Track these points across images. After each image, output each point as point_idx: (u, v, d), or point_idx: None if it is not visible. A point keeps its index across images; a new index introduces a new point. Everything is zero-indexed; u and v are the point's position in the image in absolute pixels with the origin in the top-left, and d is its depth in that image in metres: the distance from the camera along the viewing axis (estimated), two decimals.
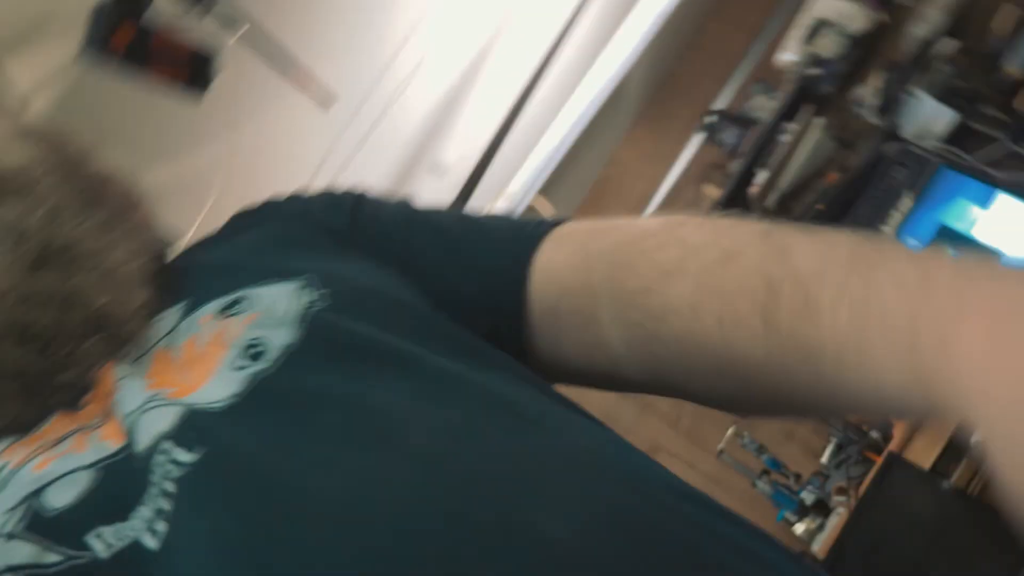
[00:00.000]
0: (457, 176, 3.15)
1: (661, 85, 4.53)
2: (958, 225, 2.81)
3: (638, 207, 4.27)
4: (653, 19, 3.40)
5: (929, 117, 3.38)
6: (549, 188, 3.79)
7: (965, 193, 2.87)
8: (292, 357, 0.49)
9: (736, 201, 3.90)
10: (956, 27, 3.57)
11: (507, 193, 3.20)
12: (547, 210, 3.41)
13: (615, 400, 4.16)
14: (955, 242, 2.76)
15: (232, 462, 0.45)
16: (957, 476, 2.88)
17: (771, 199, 3.87)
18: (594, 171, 4.49)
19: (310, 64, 2.41)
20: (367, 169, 2.96)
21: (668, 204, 4.23)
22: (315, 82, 2.20)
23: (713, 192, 4.03)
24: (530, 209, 3.35)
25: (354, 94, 2.74)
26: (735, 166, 3.89)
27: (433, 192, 3.26)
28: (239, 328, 0.52)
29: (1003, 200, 2.78)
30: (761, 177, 3.79)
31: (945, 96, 3.35)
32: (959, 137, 3.39)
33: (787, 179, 3.88)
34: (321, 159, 2.74)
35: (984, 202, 2.81)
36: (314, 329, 0.51)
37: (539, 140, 3.31)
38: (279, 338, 0.50)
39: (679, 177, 4.19)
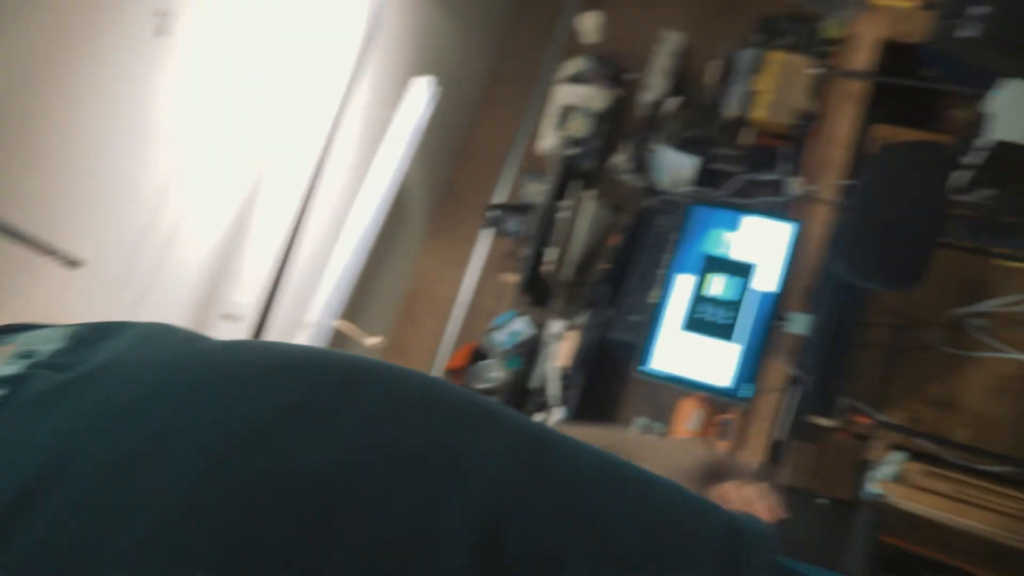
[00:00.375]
0: (251, 316, 3.15)
1: (443, 196, 4.78)
2: (718, 250, 3.11)
3: (447, 311, 4.40)
4: (409, 139, 3.62)
5: (676, 167, 3.76)
6: (356, 313, 3.86)
7: (717, 223, 3.19)
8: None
9: (535, 281, 4.11)
10: (678, 87, 4.04)
11: (305, 323, 3.22)
12: (354, 333, 3.46)
13: None
14: (719, 265, 3.05)
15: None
16: (785, 477, 3.07)
17: (566, 272, 4.11)
18: (399, 288, 4.60)
19: (59, 235, 2.40)
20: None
21: (476, 299, 4.39)
22: (57, 251, 2.23)
23: (512, 278, 4.23)
24: (336, 332, 3.39)
25: (119, 255, 2.73)
26: (525, 251, 4.11)
27: (231, 336, 3.24)
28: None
29: (747, 221, 3.12)
30: (551, 254, 4.02)
31: (684, 146, 3.74)
32: (705, 177, 3.79)
33: (575, 251, 4.15)
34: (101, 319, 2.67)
35: (734, 226, 3.14)
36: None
37: (324, 268, 3.38)
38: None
39: (479, 274, 4.38)
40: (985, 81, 2.76)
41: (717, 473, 0.86)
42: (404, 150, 3.59)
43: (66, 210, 2.48)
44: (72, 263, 2.32)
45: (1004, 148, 2.57)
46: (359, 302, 3.96)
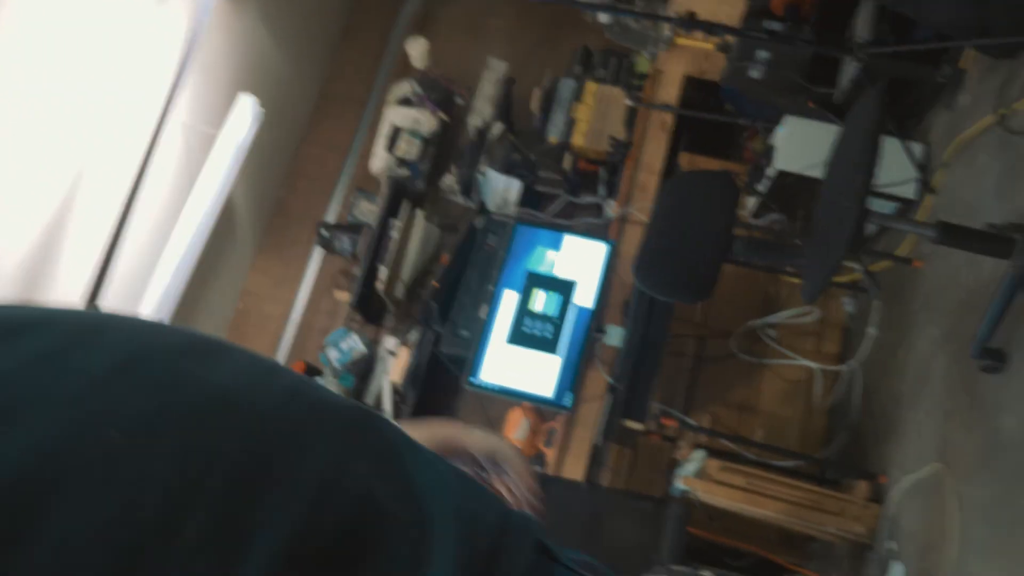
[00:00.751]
0: None
1: (273, 213, 4.72)
2: (541, 268, 3.30)
3: (278, 329, 4.35)
4: (233, 157, 3.57)
5: (503, 189, 3.93)
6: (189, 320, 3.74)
7: (541, 242, 3.38)
8: None
9: (367, 299, 4.15)
10: (503, 113, 4.23)
11: None
12: None
13: None
14: (542, 281, 3.24)
15: None
16: (605, 479, 3.28)
17: (398, 290, 4.18)
18: (227, 307, 4.50)
19: None
20: None
21: (308, 317, 4.37)
22: None
23: (344, 296, 4.25)
24: None
25: None
26: (357, 270, 4.15)
27: None
28: None
29: (568, 240, 3.33)
30: (383, 273, 4.08)
31: (510, 169, 3.92)
32: (530, 199, 3.99)
33: (407, 269, 4.23)
34: None
35: (556, 245, 3.34)
36: None
37: (145, 287, 3.27)
38: None
39: (311, 292, 4.36)
40: (775, 116, 3.11)
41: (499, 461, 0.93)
42: (228, 168, 3.54)
43: None
44: None
45: (791, 178, 2.91)
46: (184, 321, 3.84)
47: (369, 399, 4.10)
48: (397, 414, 3.93)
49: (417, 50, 4.25)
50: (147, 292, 3.25)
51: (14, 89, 2.72)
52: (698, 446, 2.79)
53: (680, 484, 2.66)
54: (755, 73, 2.98)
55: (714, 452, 2.74)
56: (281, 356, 4.21)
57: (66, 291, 3.16)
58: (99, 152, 3.18)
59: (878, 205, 2.75)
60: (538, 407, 3.47)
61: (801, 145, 2.79)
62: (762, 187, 3.11)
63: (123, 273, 3.22)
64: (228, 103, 3.72)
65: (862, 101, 1.92)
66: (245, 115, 3.61)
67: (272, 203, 4.72)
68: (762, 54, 2.94)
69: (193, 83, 3.57)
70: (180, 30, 3.36)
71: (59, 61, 2.87)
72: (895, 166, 2.60)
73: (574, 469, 3.23)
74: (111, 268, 2.99)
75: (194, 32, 3.28)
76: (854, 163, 1.84)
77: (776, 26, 2.95)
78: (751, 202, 3.30)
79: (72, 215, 3.14)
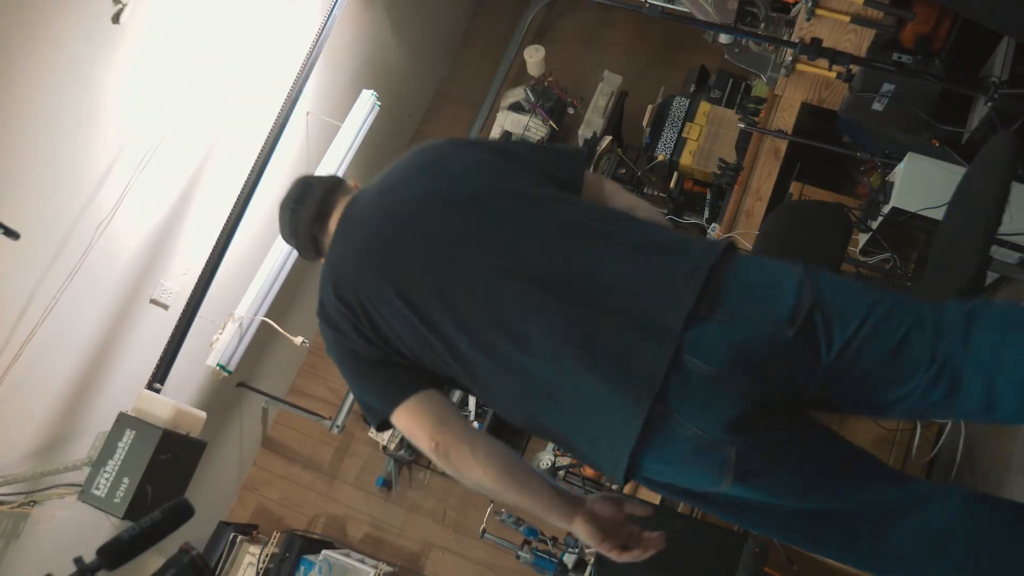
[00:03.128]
0: (180, 304, 3.16)
1: None
2: None
3: None
4: (351, 147, 3.68)
5: None
6: (283, 313, 3.88)
7: None
8: None
9: None
10: (613, 126, 4.23)
11: (235, 316, 3.25)
12: (280, 332, 3.49)
13: (383, 508, 4.20)
14: None
15: None
16: (682, 505, 3.23)
17: None
18: None
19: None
20: (83, 302, 2.91)
21: None
22: None
23: None
24: (262, 328, 3.41)
25: (54, 232, 2.73)
26: None
27: (158, 322, 3.25)
28: None
29: None
30: None
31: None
32: None
33: None
34: (29, 295, 2.68)
35: None
36: None
37: (257, 265, 3.41)
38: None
39: None
40: (894, 152, 3.00)
41: None
42: (345, 158, 3.66)
43: (6, 183, 2.48)
44: (11, 233, 2.34)
45: (906, 216, 2.80)
46: (288, 302, 3.98)
47: (454, 397, 4.16)
48: (479, 414, 3.97)
49: (535, 58, 4.29)
50: (258, 272, 3.39)
51: (151, 78, 2.89)
52: None
53: None
54: (878, 106, 2.88)
55: None
56: None
57: (187, 261, 3.34)
58: (229, 135, 3.35)
59: (1001, 254, 2.62)
60: None
61: (922, 184, 2.68)
62: (875, 224, 3.01)
63: (238, 252, 3.38)
64: (349, 95, 3.85)
65: (994, 141, 1.83)
66: (364, 109, 3.72)
67: None
68: (887, 86, 2.84)
69: (320, 74, 3.72)
70: (313, 24, 3.50)
71: (201, 49, 3.04)
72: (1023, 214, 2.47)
73: (649, 492, 3.18)
74: (230, 245, 3.14)
75: (325, 27, 3.41)
76: (980, 206, 1.76)
77: (905, 59, 2.85)
78: (862, 239, 3.19)
79: (198, 193, 3.32)
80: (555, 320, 1.29)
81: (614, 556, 1.34)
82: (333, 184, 1.61)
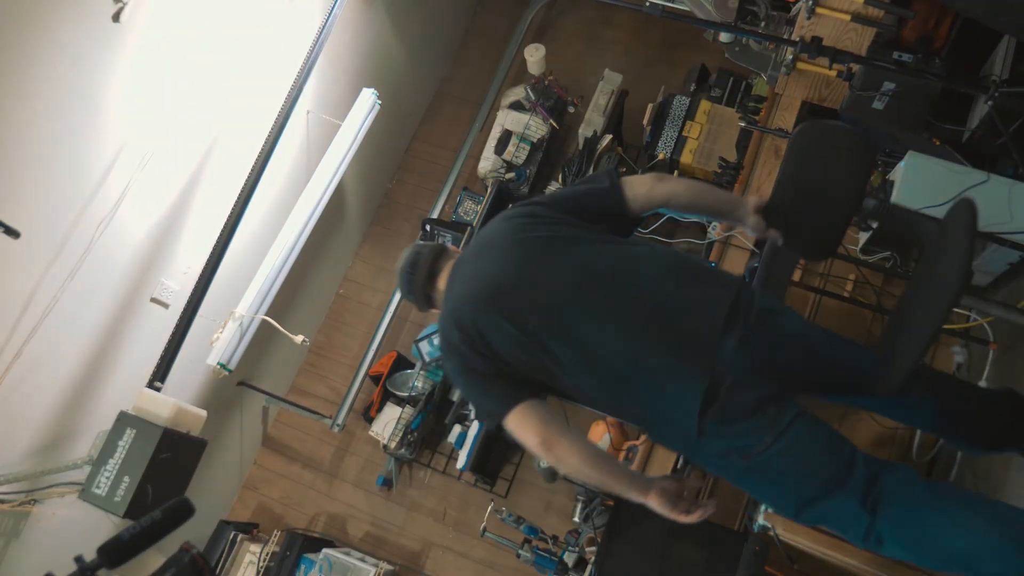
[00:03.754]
0: (181, 303, 3.17)
1: (379, 204, 4.85)
2: None
3: (375, 318, 4.46)
4: (351, 146, 3.68)
5: None
6: (284, 311, 3.88)
7: None
8: None
9: None
10: (615, 125, 4.22)
11: (236, 315, 3.24)
12: (281, 330, 3.49)
13: (384, 506, 4.20)
14: None
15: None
16: None
17: None
18: (329, 291, 4.64)
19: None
20: (84, 301, 2.92)
21: (403, 310, 4.47)
22: None
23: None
24: (262, 327, 3.41)
25: (55, 230, 2.73)
26: None
27: (158, 320, 3.25)
28: None
29: None
30: None
31: None
32: None
33: None
34: (30, 294, 2.68)
35: None
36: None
37: (258, 264, 3.41)
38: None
39: None
40: (895, 151, 3.00)
41: None
42: (346, 157, 3.66)
43: (6, 181, 2.48)
44: (11, 232, 2.34)
45: (907, 214, 2.80)
46: (288, 300, 3.99)
47: (456, 396, 4.16)
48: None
49: (535, 57, 4.29)
50: (260, 267, 3.39)
51: (152, 76, 2.89)
52: None
53: (762, 520, 2.60)
54: (878, 104, 2.88)
55: None
56: (375, 346, 4.32)
57: (188, 260, 3.34)
58: (229, 132, 3.35)
59: (1002, 253, 2.62)
60: (621, 424, 3.45)
61: (922, 182, 2.68)
62: (875, 222, 3.01)
63: (239, 251, 3.38)
64: (350, 94, 3.85)
65: (958, 209, 1.80)
66: (365, 108, 3.72)
67: (380, 195, 4.86)
68: (888, 85, 2.84)
69: (320, 73, 3.72)
70: (313, 23, 3.50)
71: (201, 48, 3.04)
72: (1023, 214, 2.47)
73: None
74: (230, 243, 3.14)
75: (326, 26, 3.41)
76: (943, 275, 1.76)
77: (905, 57, 2.85)
78: (862, 237, 3.19)
79: (199, 191, 3.32)
80: (626, 321, 1.79)
81: (681, 519, 1.77)
82: (439, 251, 2.10)
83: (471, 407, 2.08)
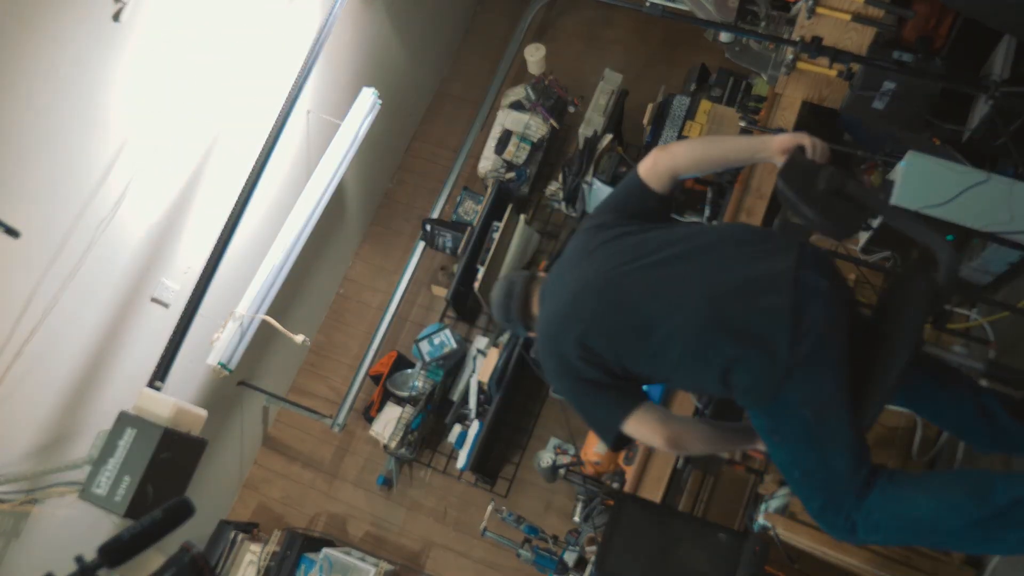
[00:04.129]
0: (181, 302, 3.17)
1: (379, 204, 4.85)
2: None
3: (375, 318, 4.46)
4: (351, 145, 3.68)
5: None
6: (285, 310, 3.88)
7: None
8: None
9: (464, 297, 4.21)
10: (615, 125, 4.22)
11: (236, 314, 3.24)
12: (281, 329, 3.50)
13: (384, 506, 4.20)
14: None
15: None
16: (682, 504, 3.23)
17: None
18: (330, 292, 4.64)
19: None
20: (84, 301, 2.91)
21: (403, 310, 4.47)
22: None
23: (441, 292, 4.33)
24: (263, 326, 3.41)
25: (55, 230, 2.73)
26: (457, 267, 4.22)
27: (159, 320, 3.25)
28: None
29: None
30: (481, 273, 4.13)
31: (615, 181, 3.91)
32: None
33: (504, 272, 4.27)
34: (30, 294, 2.68)
35: None
36: None
37: (258, 263, 3.41)
38: None
39: (407, 284, 4.45)
40: (895, 150, 3.00)
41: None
42: (346, 156, 3.66)
43: (6, 181, 2.48)
44: (11, 232, 2.34)
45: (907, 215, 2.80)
46: (289, 300, 3.99)
47: (455, 395, 4.16)
48: (479, 414, 3.97)
49: (535, 56, 4.29)
50: (260, 267, 3.39)
51: (153, 76, 2.89)
52: (784, 482, 2.71)
53: (762, 520, 2.60)
54: (879, 104, 2.88)
55: None
56: (375, 346, 4.32)
57: (188, 259, 3.34)
58: (230, 132, 3.35)
59: (1003, 253, 2.62)
60: None
61: (922, 182, 2.68)
62: (875, 222, 3.00)
63: (239, 250, 3.38)
64: (350, 94, 3.85)
65: (917, 277, 1.89)
66: (365, 107, 3.72)
67: (380, 194, 4.86)
68: (888, 85, 2.84)
69: (320, 73, 3.72)
70: (314, 22, 3.50)
71: (201, 48, 3.04)
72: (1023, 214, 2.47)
73: (652, 490, 3.19)
74: (231, 242, 3.14)
75: (326, 25, 3.41)
76: (899, 336, 1.85)
77: (905, 57, 2.85)
78: (863, 237, 3.19)
79: (200, 191, 3.32)
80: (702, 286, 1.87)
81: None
82: (529, 278, 2.18)
83: (590, 425, 2.10)
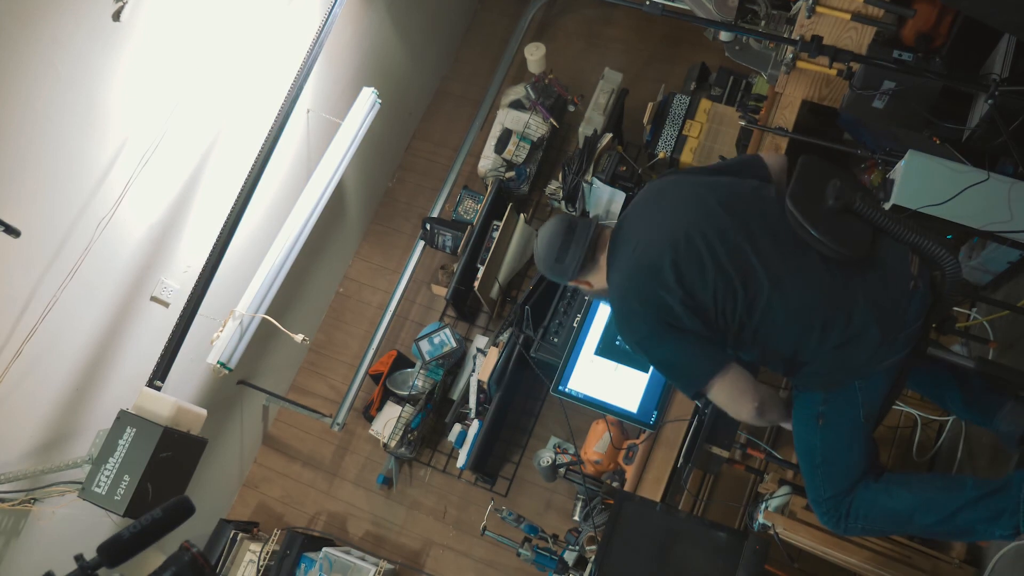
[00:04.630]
0: (181, 301, 3.17)
1: (380, 203, 4.85)
2: None
3: (375, 317, 4.46)
4: (351, 145, 3.68)
5: (606, 199, 3.92)
6: (284, 310, 3.88)
7: None
8: None
9: (464, 296, 4.21)
10: (615, 124, 4.22)
11: (236, 313, 3.24)
12: (281, 329, 3.49)
13: (384, 505, 4.20)
14: None
15: None
16: (682, 503, 3.23)
17: (493, 290, 4.23)
18: (330, 290, 4.64)
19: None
20: (84, 300, 2.91)
21: (403, 308, 4.47)
22: None
23: (441, 291, 4.33)
24: (263, 325, 3.41)
25: (55, 229, 2.73)
26: (457, 266, 4.21)
27: (158, 319, 3.25)
28: None
29: None
30: (481, 272, 4.13)
31: (615, 181, 3.91)
32: None
33: (503, 271, 4.27)
34: (30, 293, 2.68)
35: None
36: None
37: (258, 262, 3.41)
38: None
39: (409, 283, 4.45)
40: (895, 150, 3.00)
41: None
42: (346, 155, 3.66)
43: (6, 180, 2.48)
44: (11, 231, 2.34)
45: (906, 214, 2.80)
46: (289, 299, 3.99)
47: (455, 394, 4.16)
48: (479, 413, 3.97)
49: (535, 55, 4.29)
50: (260, 266, 3.39)
51: (153, 75, 2.89)
52: (784, 481, 2.72)
53: (761, 519, 2.60)
54: (879, 103, 2.88)
55: (800, 489, 2.66)
56: (375, 345, 4.32)
57: (188, 258, 3.34)
58: (229, 132, 3.35)
59: (1002, 252, 2.62)
60: (621, 423, 3.45)
61: (922, 181, 2.68)
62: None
63: (239, 249, 3.38)
64: (350, 93, 3.85)
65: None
66: (365, 106, 3.72)
67: (380, 193, 4.85)
68: (888, 84, 2.83)
69: (320, 72, 3.72)
70: (314, 21, 3.49)
71: (201, 47, 3.04)
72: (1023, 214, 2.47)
73: (652, 489, 3.19)
74: (231, 241, 3.14)
75: (326, 24, 3.41)
76: None
77: (905, 56, 2.84)
78: None
79: (199, 190, 3.32)
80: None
81: None
82: (593, 220, 2.08)
83: (670, 374, 2.05)
